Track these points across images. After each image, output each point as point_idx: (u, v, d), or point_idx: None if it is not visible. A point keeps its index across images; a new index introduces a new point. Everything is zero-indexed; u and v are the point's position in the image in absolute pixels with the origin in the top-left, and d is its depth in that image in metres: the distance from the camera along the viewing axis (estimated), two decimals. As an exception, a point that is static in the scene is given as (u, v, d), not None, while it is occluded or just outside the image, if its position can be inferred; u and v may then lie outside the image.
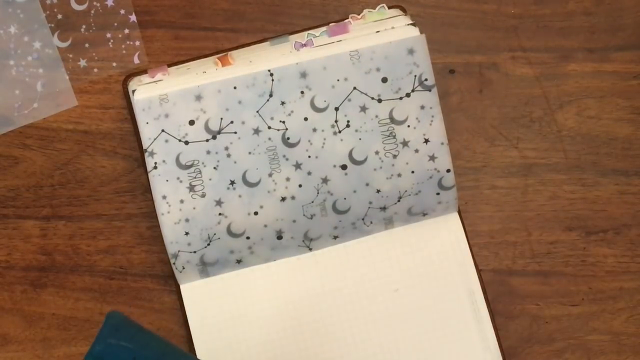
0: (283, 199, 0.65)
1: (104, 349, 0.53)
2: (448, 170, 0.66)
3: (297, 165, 0.65)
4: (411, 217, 0.67)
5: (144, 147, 0.64)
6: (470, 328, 0.66)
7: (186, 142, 0.64)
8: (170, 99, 0.63)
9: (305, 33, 0.65)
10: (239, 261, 0.66)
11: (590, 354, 0.68)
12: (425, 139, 0.65)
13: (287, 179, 0.65)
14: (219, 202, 0.64)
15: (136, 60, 0.68)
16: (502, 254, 0.69)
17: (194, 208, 0.64)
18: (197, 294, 0.65)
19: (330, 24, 0.66)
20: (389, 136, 0.65)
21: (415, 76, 0.65)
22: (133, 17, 0.67)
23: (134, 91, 0.64)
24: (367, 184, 0.65)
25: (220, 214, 0.64)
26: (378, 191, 0.65)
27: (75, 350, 0.67)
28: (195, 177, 0.64)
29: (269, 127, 0.64)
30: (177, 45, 0.68)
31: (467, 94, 0.69)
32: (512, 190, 0.69)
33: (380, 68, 0.64)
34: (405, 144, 0.65)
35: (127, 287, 0.67)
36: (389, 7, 0.67)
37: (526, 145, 0.69)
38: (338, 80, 0.64)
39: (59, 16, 0.67)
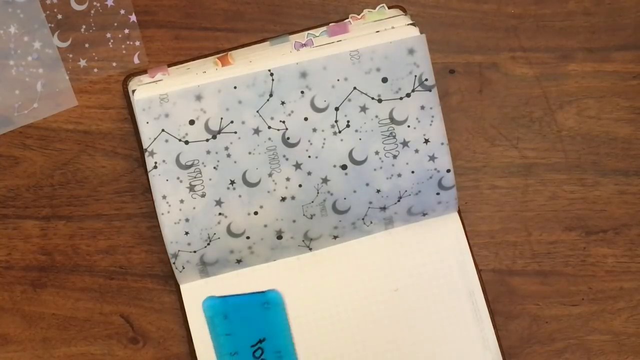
0: (283, 199, 0.65)
1: None
2: (448, 170, 0.66)
3: (297, 165, 0.65)
4: (411, 217, 0.67)
5: (144, 147, 0.64)
6: (470, 328, 0.66)
7: (186, 142, 0.64)
8: (171, 99, 0.63)
9: (305, 33, 0.65)
10: (239, 261, 0.66)
11: (590, 354, 0.68)
12: (425, 139, 0.65)
13: (287, 179, 0.65)
14: (219, 202, 0.64)
15: (136, 60, 0.68)
16: (502, 254, 0.69)
17: (194, 208, 0.64)
18: (197, 294, 0.65)
19: (330, 24, 0.66)
20: (389, 136, 0.65)
21: (416, 76, 0.65)
22: (133, 17, 0.67)
23: (134, 91, 0.64)
24: (367, 184, 0.65)
25: (220, 214, 0.64)
26: (378, 191, 0.65)
27: (76, 350, 0.67)
28: (195, 177, 0.64)
29: (269, 127, 0.64)
30: (177, 45, 0.68)
31: (467, 94, 0.69)
32: (512, 190, 0.69)
33: (380, 68, 0.64)
34: (405, 144, 0.65)
35: (127, 287, 0.67)
36: (389, 7, 0.67)
37: (526, 145, 0.69)
38: (338, 80, 0.64)
39: (59, 16, 0.67)
